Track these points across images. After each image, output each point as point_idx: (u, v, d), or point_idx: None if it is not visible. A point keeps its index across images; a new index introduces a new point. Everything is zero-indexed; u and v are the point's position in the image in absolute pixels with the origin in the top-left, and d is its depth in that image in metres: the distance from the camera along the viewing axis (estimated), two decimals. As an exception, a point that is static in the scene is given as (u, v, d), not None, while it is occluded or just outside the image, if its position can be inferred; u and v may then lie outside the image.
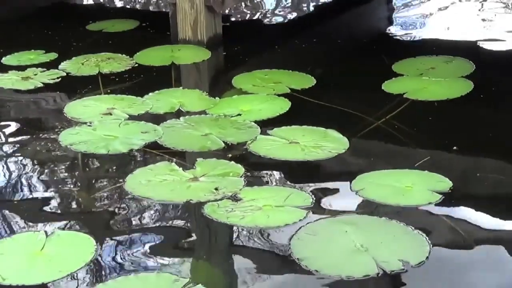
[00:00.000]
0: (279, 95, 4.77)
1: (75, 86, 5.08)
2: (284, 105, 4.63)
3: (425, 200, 3.56)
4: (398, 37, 5.95)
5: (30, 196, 3.87)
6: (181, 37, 5.74)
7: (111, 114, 4.57)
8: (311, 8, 6.87)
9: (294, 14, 6.79)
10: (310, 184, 3.80)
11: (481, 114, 4.48)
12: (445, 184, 3.66)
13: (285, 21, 6.61)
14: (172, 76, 5.32)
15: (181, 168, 3.89)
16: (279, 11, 6.88)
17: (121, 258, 3.30)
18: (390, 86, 4.84)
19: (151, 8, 7.30)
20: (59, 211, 3.75)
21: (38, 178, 4.03)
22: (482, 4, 6.66)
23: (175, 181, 3.79)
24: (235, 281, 3.17)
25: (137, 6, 7.40)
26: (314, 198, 3.61)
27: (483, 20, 6.27)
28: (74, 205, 3.84)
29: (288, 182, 3.84)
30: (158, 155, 4.10)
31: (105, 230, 3.53)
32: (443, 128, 4.31)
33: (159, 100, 4.76)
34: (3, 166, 4.17)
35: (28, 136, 4.52)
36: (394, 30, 6.15)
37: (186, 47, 5.69)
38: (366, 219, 3.45)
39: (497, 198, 3.65)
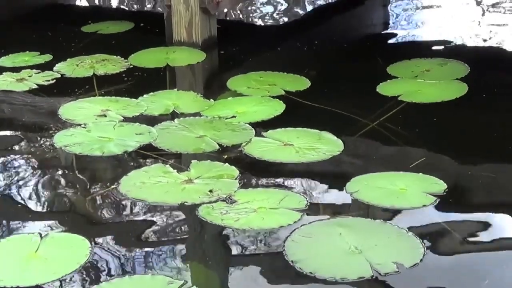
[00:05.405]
0: (274, 97, 4.77)
1: (70, 88, 5.07)
2: (278, 107, 4.63)
3: (420, 202, 3.56)
4: (393, 40, 5.96)
5: (24, 198, 3.87)
6: (176, 39, 5.74)
7: (105, 116, 4.56)
8: (307, 10, 6.86)
9: (290, 17, 6.79)
10: (305, 186, 3.81)
11: (476, 116, 4.49)
12: (440, 186, 3.66)
13: (281, 24, 6.62)
14: (167, 78, 5.32)
15: (175, 170, 3.89)
16: (275, 13, 6.88)
17: (115, 260, 3.30)
18: (385, 89, 4.84)
19: (146, 9, 7.29)
20: (53, 213, 3.75)
21: (32, 179, 4.03)
22: (478, 8, 6.67)
23: (170, 183, 3.79)
24: (229, 283, 3.17)
25: (133, 8, 7.40)
26: (309, 200, 3.61)
27: (479, 23, 6.28)
28: (68, 207, 3.84)
29: (283, 185, 3.84)
30: (153, 157, 4.09)
31: (100, 232, 3.52)
32: (437, 130, 4.31)
33: (153, 102, 4.75)
34: (-3, 168, 4.18)
35: (23, 138, 4.51)
36: (389, 32, 6.15)
37: (181, 49, 5.68)
38: (360, 221, 3.45)
39: (492, 200, 3.66)
